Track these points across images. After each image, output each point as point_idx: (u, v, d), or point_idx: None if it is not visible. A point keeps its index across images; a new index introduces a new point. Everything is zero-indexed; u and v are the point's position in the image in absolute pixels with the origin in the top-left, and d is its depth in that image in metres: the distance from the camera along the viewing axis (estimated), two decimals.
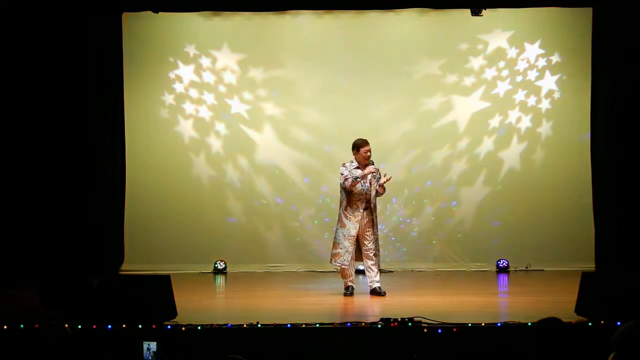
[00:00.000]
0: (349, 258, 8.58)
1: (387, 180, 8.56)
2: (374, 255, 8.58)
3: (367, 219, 8.59)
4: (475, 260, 11.03)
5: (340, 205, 8.70)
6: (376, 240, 8.63)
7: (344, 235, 8.58)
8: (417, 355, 5.85)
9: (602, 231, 10.54)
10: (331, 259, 8.71)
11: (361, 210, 8.57)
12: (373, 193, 8.60)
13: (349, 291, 8.62)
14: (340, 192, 8.73)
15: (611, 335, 3.85)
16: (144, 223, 11.06)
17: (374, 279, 8.61)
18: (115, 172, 10.74)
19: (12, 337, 6.32)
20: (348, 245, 8.57)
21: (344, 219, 8.61)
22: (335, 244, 8.66)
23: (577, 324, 6.43)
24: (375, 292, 8.57)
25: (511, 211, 11.13)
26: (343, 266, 8.61)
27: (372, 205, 8.59)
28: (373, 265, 8.61)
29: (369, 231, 8.57)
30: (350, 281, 8.66)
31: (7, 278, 9.64)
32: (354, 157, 8.67)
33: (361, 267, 9.00)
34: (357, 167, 8.60)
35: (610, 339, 3.83)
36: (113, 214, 10.75)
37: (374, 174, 8.57)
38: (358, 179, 8.49)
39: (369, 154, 8.59)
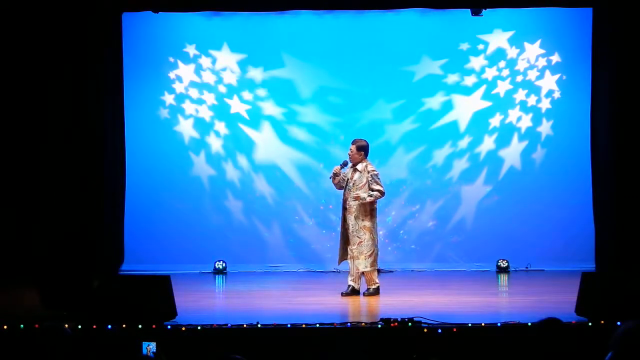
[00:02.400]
0: (339, 257, 8.71)
1: (357, 198, 8.55)
2: (352, 257, 8.57)
3: (347, 220, 8.60)
4: (475, 260, 11.03)
5: None
6: (359, 244, 8.52)
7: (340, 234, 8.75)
8: (417, 355, 5.84)
9: (602, 231, 10.52)
10: None
11: (342, 209, 8.67)
12: (353, 195, 8.56)
13: (346, 290, 8.61)
14: None
15: (611, 335, 3.85)
16: (144, 223, 11.06)
17: (352, 279, 8.62)
18: (115, 172, 10.73)
19: (12, 337, 6.32)
20: (341, 242, 8.70)
21: None
22: None
23: (577, 324, 6.42)
24: (353, 292, 8.58)
25: (511, 211, 11.13)
26: (341, 262, 8.76)
27: (348, 207, 8.55)
28: (353, 266, 8.62)
29: (352, 235, 8.55)
30: (352, 280, 8.65)
31: (7, 278, 9.63)
32: None
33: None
34: (351, 166, 8.69)
35: (610, 339, 3.83)
36: (113, 214, 10.74)
37: (337, 174, 8.63)
38: (330, 177, 8.72)
39: (349, 153, 8.67)
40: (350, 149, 8.66)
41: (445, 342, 6.30)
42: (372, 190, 8.50)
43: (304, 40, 11.22)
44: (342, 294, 8.57)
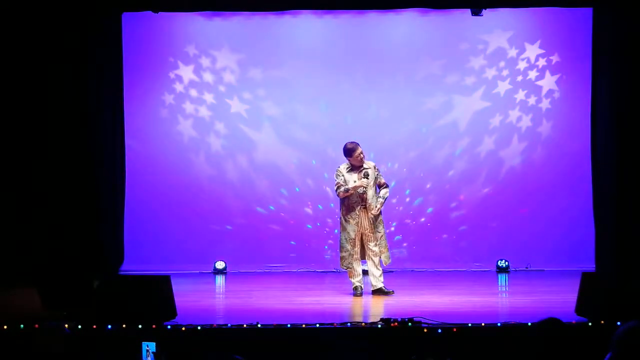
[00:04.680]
0: (352, 260, 8.64)
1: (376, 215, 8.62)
2: (376, 255, 8.60)
3: (366, 219, 8.61)
4: (475, 260, 11.03)
5: (340, 209, 8.77)
6: (381, 238, 8.63)
7: (346, 239, 8.66)
8: (416, 356, 5.83)
9: (602, 231, 10.51)
10: (340, 263, 8.80)
11: (357, 212, 8.61)
12: (370, 193, 8.58)
13: (357, 292, 8.62)
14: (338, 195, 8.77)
15: (611, 335, 3.85)
16: (144, 223, 11.07)
17: (378, 278, 8.62)
18: (115, 172, 10.72)
19: (12, 337, 6.31)
20: (350, 248, 8.63)
21: (344, 222, 8.68)
22: (341, 248, 8.75)
23: (577, 324, 6.42)
24: (381, 292, 8.57)
25: (511, 211, 11.14)
26: (349, 268, 8.68)
27: (368, 205, 8.59)
28: (376, 265, 8.63)
29: (370, 231, 8.58)
30: (358, 281, 8.66)
31: (7, 278, 9.62)
32: (347, 160, 8.71)
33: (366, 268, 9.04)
34: (351, 170, 8.64)
35: (610, 339, 3.83)
36: (113, 214, 10.74)
37: (367, 170, 8.60)
38: (349, 191, 8.57)
39: (362, 156, 8.65)
40: (361, 152, 8.63)
41: (445, 342, 6.30)
42: (380, 183, 8.67)
43: (303, 40, 11.21)
44: (353, 294, 8.60)
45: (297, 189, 11.27)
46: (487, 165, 11.21)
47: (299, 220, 11.27)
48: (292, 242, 11.26)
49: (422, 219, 11.26)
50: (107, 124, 10.63)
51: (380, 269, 8.68)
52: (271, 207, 11.27)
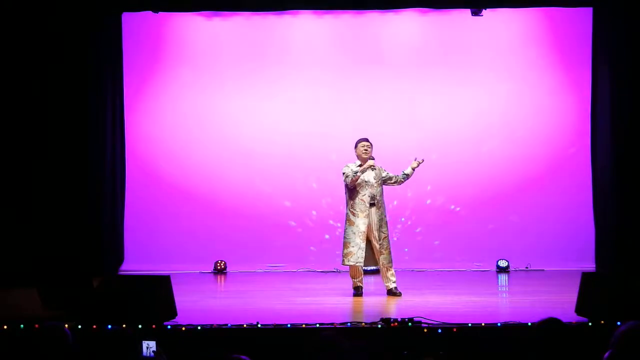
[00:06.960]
0: (363, 255, 8.43)
1: (420, 162, 8.70)
2: (381, 254, 8.55)
3: (375, 217, 8.51)
4: (475, 260, 11.03)
5: (347, 205, 8.61)
6: (384, 240, 8.55)
7: (354, 233, 8.45)
8: (407, 352, 5.82)
9: (602, 231, 10.52)
10: (343, 260, 8.53)
11: (368, 206, 8.49)
12: (379, 189, 8.57)
13: (358, 292, 8.55)
14: (345, 192, 8.68)
15: (611, 335, 3.85)
16: (144, 223, 11.07)
17: (390, 279, 8.57)
18: (115, 172, 10.73)
19: (12, 337, 6.32)
20: (360, 242, 8.43)
21: (351, 217, 8.50)
22: (346, 244, 8.50)
23: (577, 324, 6.43)
24: (391, 293, 8.53)
25: (511, 211, 11.14)
26: (357, 264, 8.46)
27: (377, 202, 8.54)
28: (387, 265, 8.57)
29: (377, 230, 8.51)
30: (359, 281, 8.58)
31: (7, 278, 9.62)
32: (356, 155, 8.69)
33: (368, 268, 8.99)
34: (360, 165, 8.60)
35: (610, 339, 3.84)
36: (113, 214, 10.74)
37: (374, 167, 8.56)
38: (358, 173, 8.45)
39: (365, 148, 8.58)
40: (365, 144, 8.59)
41: (445, 342, 6.30)
42: (390, 176, 8.68)
43: (304, 41, 11.22)
44: (354, 295, 8.51)
45: (298, 189, 11.27)
46: (487, 165, 11.22)
47: (299, 220, 11.27)
48: (293, 242, 11.25)
49: (422, 219, 11.25)
50: (107, 124, 10.64)
51: (391, 269, 8.60)
52: (271, 207, 11.26)
